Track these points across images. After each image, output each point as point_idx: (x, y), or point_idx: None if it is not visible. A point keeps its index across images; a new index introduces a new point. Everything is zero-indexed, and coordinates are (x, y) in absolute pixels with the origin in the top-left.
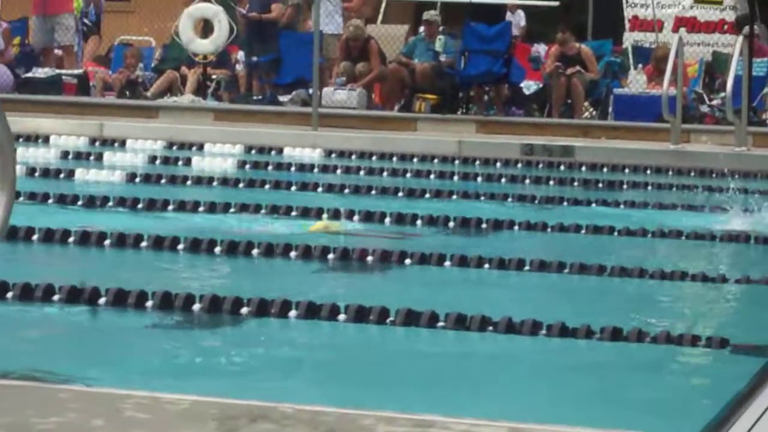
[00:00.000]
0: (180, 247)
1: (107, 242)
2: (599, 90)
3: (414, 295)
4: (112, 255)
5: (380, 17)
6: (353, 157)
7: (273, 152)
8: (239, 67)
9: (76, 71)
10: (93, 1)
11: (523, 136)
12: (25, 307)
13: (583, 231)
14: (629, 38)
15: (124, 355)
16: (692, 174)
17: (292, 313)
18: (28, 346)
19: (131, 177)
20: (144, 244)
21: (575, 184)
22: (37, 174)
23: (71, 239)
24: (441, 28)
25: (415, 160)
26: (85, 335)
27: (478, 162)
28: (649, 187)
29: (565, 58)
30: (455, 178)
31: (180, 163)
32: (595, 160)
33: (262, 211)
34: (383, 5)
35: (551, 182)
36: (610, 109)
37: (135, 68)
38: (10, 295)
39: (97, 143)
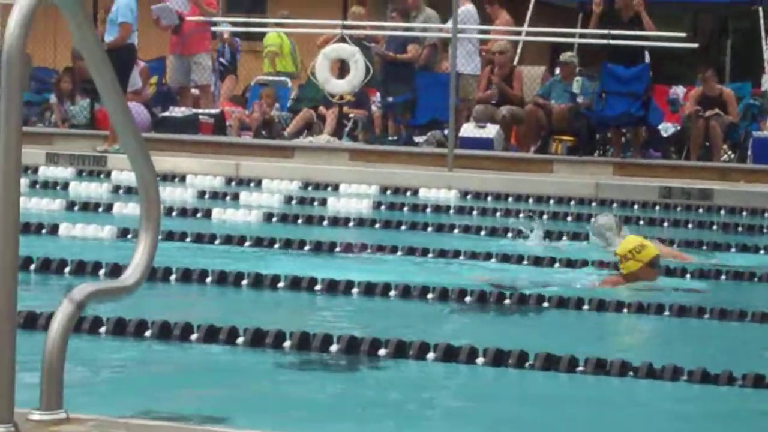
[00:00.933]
0: (317, 287)
1: (244, 282)
2: (738, 133)
3: (552, 339)
4: (249, 295)
5: (516, 58)
6: (489, 198)
7: (408, 193)
8: (375, 108)
9: (212, 111)
10: (229, 41)
11: (661, 179)
12: (164, 346)
13: (723, 277)
14: None
15: (262, 395)
16: None
17: (430, 355)
18: (166, 385)
19: (267, 217)
20: (281, 284)
21: (714, 227)
22: (174, 213)
23: (209, 279)
24: (578, 70)
25: (551, 202)
26: (222, 375)
27: (615, 204)
28: None
29: (706, 100)
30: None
31: (316, 203)
32: (734, 203)
33: (398, 252)
34: (520, 46)
35: (689, 225)
36: (749, 152)
37: (271, 108)
38: (148, 333)
39: (233, 183)
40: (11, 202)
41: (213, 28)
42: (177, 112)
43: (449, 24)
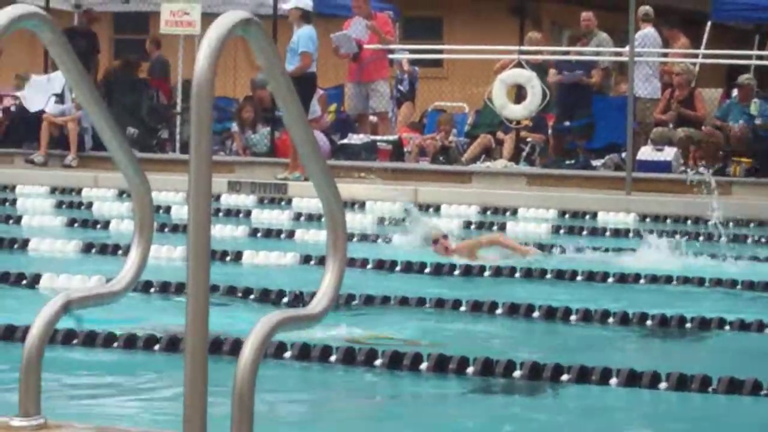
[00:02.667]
0: (498, 311)
1: (426, 306)
2: None
3: (735, 363)
4: (432, 318)
5: (693, 82)
6: (668, 221)
7: (587, 216)
8: (551, 132)
9: (390, 137)
10: (408, 70)
11: None
12: (348, 371)
13: None
14: None
15: (445, 421)
16: None
17: (613, 380)
18: (333, 410)
19: None
20: (463, 308)
21: None
22: (355, 239)
23: (391, 303)
24: (755, 92)
25: (731, 224)
26: (405, 400)
27: None
28: None
29: None
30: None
31: (494, 227)
32: None
33: (578, 277)
34: (696, 69)
35: None
36: None
37: (448, 134)
38: (333, 358)
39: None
40: (201, 230)
41: (390, 56)
42: (356, 139)
43: (627, 48)
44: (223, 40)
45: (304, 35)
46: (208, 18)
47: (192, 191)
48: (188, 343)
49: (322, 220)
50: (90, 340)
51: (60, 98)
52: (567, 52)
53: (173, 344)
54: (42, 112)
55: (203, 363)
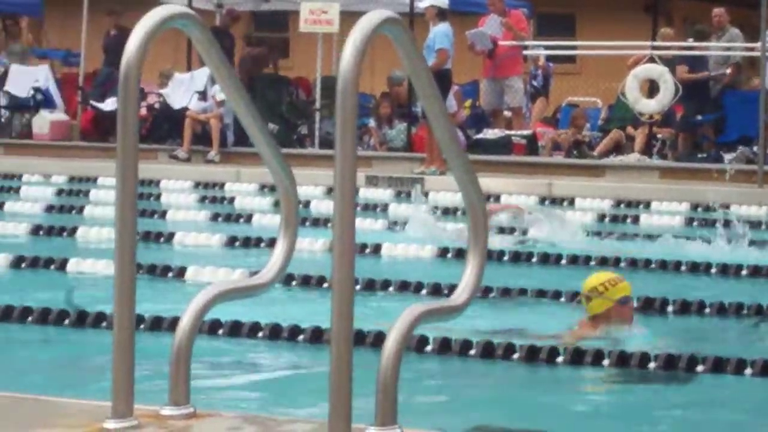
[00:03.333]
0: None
1: (563, 299)
2: None
3: None
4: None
5: None
6: None
7: (720, 210)
8: (682, 126)
9: (524, 132)
10: (542, 66)
11: None
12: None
13: None
14: None
15: (583, 411)
16: None
17: (747, 371)
18: (483, 401)
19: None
20: None
21: None
22: (493, 233)
23: (528, 295)
24: None
25: None
26: (541, 390)
27: None
28: None
29: None
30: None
31: (628, 221)
32: None
33: (713, 269)
34: None
35: None
36: None
37: (582, 128)
38: (473, 351)
39: (546, 202)
40: (347, 223)
41: (525, 52)
42: (490, 134)
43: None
44: (367, 39)
45: (440, 32)
46: (345, 16)
47: (337, 185)
48: (334, 334)
49: (458, 213)
50: (235, 330)
51: (202, 95)
52: (700, 48)
53: (317, 335)
54: (185, 109)
55: (348, 353)
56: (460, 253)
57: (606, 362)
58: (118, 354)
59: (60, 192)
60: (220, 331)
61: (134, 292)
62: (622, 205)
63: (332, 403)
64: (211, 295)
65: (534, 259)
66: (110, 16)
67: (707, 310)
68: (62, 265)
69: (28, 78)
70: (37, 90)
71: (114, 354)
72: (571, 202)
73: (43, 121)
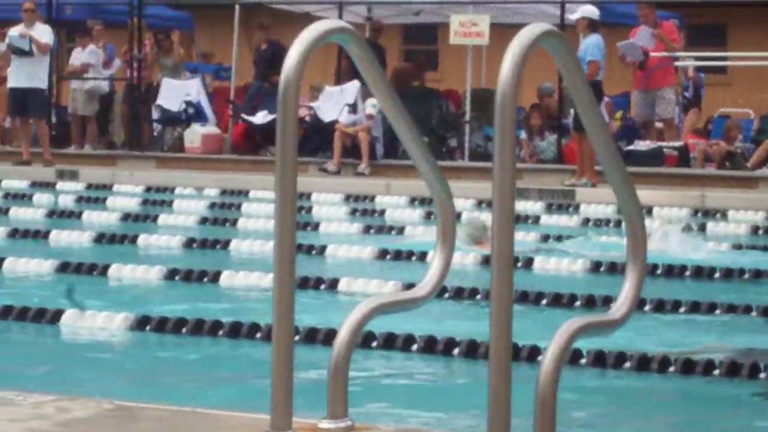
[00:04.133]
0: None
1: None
2: None
3: None
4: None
5: None
6: None
7: None
8: None
9: (676, 143)
10: (693, 77)
11: None
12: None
13: None
14: None
15: (737, 424)
16: None
17: None
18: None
19: (737, 247)
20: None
21: None
22: None
23: (681, 310)
24: None
25: None
26: (695, 407)
27: None
28: None
29: None
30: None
31: None
32: None
33: None
34: None
35: None
36: None
37: (735, 140)
38: (627, 365)
39: (698, 214)
40: (505, 235)
41: (676, 63)
42: (641, 145)
43: None
44: (526, 52)
45: (591, 44)
46: (494, 29)
47: (496, 198)
48: (493, 348)
49: (611, 225)
50: (389, 342)
51: (352, 108)
52: None
53: (472, 349)
54: (335, 122)
55: (506, 368)
56: (613, 267)
57: (763, 375)
58: (276, 367)
59: (212, 205)
60: (374, 344)
61: (293, 305)
62: None
63: (491, 417)
64: (368, 309)
65: (687, 273)
66: (261, 30)
67: None
68: (215, 278)
69: (179, 92)
70: (188, 104)
71: (273, 367)
72: (724, 214)
73: (194, 135)
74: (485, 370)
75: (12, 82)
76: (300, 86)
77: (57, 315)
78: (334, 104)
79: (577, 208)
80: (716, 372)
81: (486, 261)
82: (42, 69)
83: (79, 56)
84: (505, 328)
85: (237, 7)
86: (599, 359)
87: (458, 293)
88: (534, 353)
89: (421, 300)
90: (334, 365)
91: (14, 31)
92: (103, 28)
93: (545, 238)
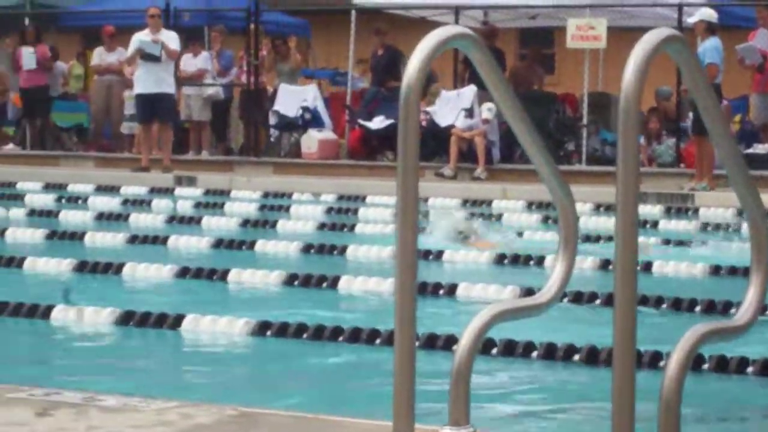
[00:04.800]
0: None
1: None
2: None
3: None
4: None
5: None
6: None
7: None
8: None
9: None
10: None
11: None
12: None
13: None
14: None
15: None
16: None
17: None
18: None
19: None
20: None
21: None
22: None
23: None
24: None
25: None
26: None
27: None
28: None
29: None
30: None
31: None
32: None
33: None
34: None
35: None
36: None
37: None
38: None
39: None
40: (629, 242)
41: None
42: (760, 149)
43: None
44: (650, 57)
45: (709, 47)
46: (611, 32)
47: (619, 203)
48: (617, 354)
49: (730, 229)
50: (509, 349)
51: (469, 113)
52: None
53: (593, 355)
54: (452, 126)
55: (631, 375)
56: (733, 271)
57: None
58: (399, 373)
59: (329, 210)
60: (494, 350)
61: (415, 311)
62: None
63: (615, 424)
64: (490, 315)
65: None
66: (377, 35)
67: None
68: (334, 283)
69: (296, 97)
70: (305, 109)
71: (395, 373)
72: None
73: (311, 140)
74: (606, 375)
75: (140, 88)
76: (421, 92)
77: (178, 320)
78: (450, 109)
79: (696, 211)
80: None
81: (604, 265)
82: (169, 74)
83: (190, 62)
84: (629, 334)
85: (353, 12)
86: (721, 364)
87: (577, 298)
88: (656, 359)
89: (544, 306)
90: (456, 372)
91: (144, 37)
92: (220, 34)
93: (665, 242)
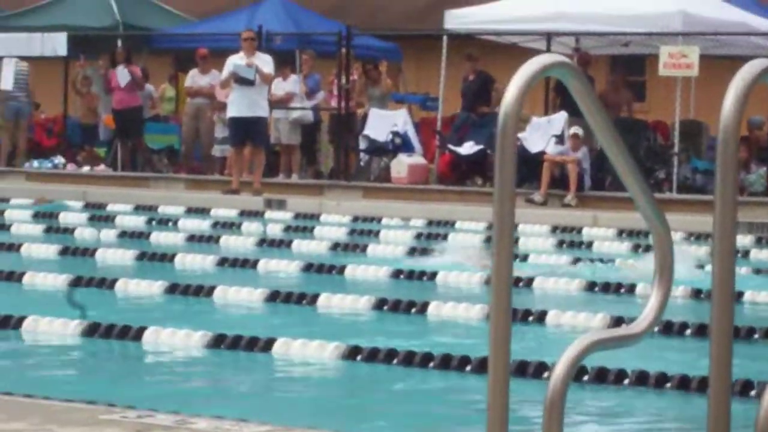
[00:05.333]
0: None
1: None
2: None
3: None
4: None
5: None
6: None
7: None
8: None
9: None
10: None
11: None
12: None
13: None
14: None
15: None
16: None
17: None
18: None
19: None
20: None
21: None
22: None
23: None
24: None
25: None
26: None
27: None
28: None
29: None
30: None
31: None
32: None
33: None
34: None
35: None
36: None
37: None
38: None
39: None
40: (726, 272)
41: None
42: None
43: None
44: (749, 88)
45: None
46: (704, 60)
47: (716, 234)
48: (713, 385)
49: None
50: (601, 377)
51: (559, 139)
52: None
53: (684, 384)
54: (541, 152)
55: (726, 403)
56: None
57: None
58: (493, 401)
59: (419, 235)
60: (585, 378)
61: (509, 338)
62: None
63: None
64: (585, 345)
65: None
66: (469, 61)
67: None
68: (423, 308)
69: (386, 122)
70: (395, 134)
71: (489, 400)
72: None
73: (401, 165)
74: (699, 403)
75: (234, 112)
76: (519, 120)
77: (269, 344)
78: (541, 135)
79: None
80: None
81: (695, 294)
82: (263, 98)
83: (279, 86)
84: (725, 363)
85: (445, 37)
86: None
87: (668, 327)
88: (747, 387)
89: (639, 336)
90: (550, 400)
91: (239, 60)
92: (310, 58)
93: (755, 271)
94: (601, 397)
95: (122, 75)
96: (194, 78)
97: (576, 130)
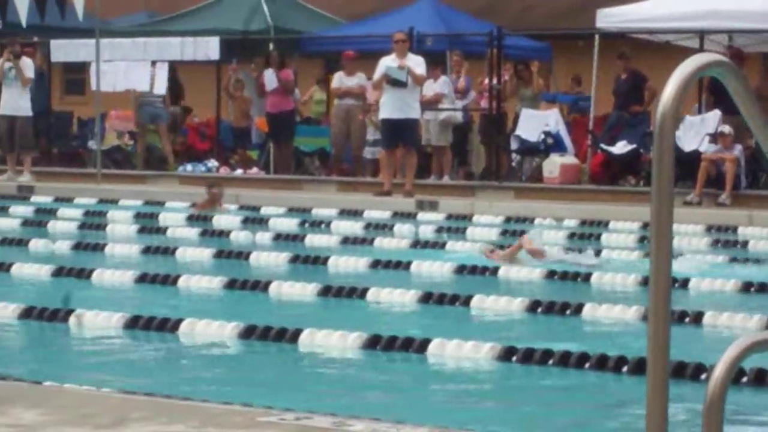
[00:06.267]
0: None
1: None
2: None
3: None
4: None
5: None
6: None
7: None
8: None
9: None
10: None
11: None
12: None
13: None
14: None
15: None
16: None
17: None
18: None
19: None
20: None
21: None
22: None
23: None
24: None
25: None
26: None
27: None
28: None
29: None
30: None
31: None
32: None
33: None
34: None
35: None
36: None
37: None
38: None
39: None
40: None
41: None
42: None
43: None
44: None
45: None
46: None
47: None
48: None
49: None
50: (760, 379)
51: (713, 138)
52: None
53: None
54: (695, 152)
55: None
56: None
57: None
58: (651, 403)
59: (572, 235)
60: (744, 380)
61: (668, 340)
62: None
63: None
64: (744, 346)
65: None
66: (621, 59)
67: None
68: (578, 310)
69: (538, 122)
70: (547, 134)
71: (647, 403)
72: None
73: (553, 165)
74: None
75: (386, 114)
76: (677, 119)
77: (424, 344)
78: (694, 134)
79: None
80: None
81: None
82: (414, 100)
83: (430, 87)
84: None
85: (597, 36)
86: None
87: None
88: None
89: None
90: (710, 402)
91: (391, 62)
92: (461, 58)
93: None
94: (760, 400)
95: (270, 79)
96: (341, 79)
97: (727, 128)
